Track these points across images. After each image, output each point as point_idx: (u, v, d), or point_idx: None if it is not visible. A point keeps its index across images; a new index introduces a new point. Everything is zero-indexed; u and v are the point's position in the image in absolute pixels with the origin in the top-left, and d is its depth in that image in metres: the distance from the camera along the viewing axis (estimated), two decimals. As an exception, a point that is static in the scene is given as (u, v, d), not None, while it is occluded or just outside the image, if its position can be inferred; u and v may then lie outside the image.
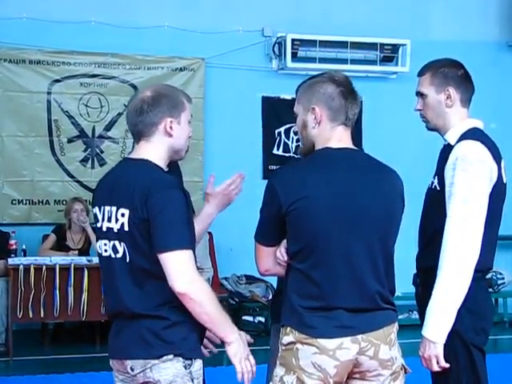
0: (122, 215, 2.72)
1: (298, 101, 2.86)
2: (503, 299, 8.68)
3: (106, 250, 2.80)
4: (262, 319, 7.91)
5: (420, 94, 3.29)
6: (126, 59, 8.32)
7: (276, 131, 8.69)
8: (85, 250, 7.78)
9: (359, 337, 2.69)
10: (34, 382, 6.26)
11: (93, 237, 7.69)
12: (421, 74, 3.30)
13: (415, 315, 8.21)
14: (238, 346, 2.74)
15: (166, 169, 2.86)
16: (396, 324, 2.84)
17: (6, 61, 8.01)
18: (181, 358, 2.72)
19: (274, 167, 8.60)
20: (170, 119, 2.83)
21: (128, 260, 2.73)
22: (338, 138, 2.78)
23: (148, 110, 2.80)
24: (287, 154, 8.73)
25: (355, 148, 2.82)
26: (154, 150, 2.83)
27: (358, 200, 2.71)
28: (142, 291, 2.72)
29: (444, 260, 3.01)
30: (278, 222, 2.76)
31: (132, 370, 2.75)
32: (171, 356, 2.71)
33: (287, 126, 8.58)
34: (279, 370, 2.77)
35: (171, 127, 2.82)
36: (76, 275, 6.99)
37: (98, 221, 2.84)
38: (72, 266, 7.01)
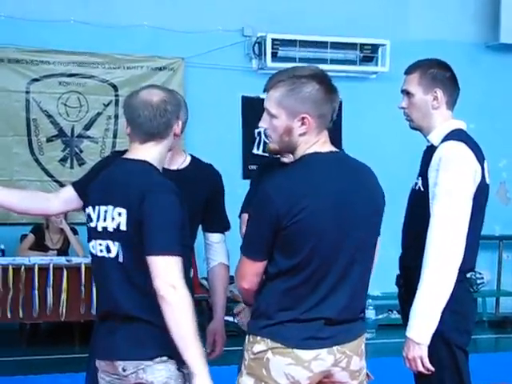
0: (119, 214, 2.70)
1: (276, 102, 2.63)
2: (482, 299, 8.76)
3: (101, 250, 2.77)
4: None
5: (406, 93, 3.27)
6: (105, 58, 8.27)
7: (256, 131, 8.67)
8: (64, 250, 7.74)
9: (335, 348, 2.64)
10: (12, 383, 6.20)
11: (71, 237, 7.66)
12: (409, 72, 3.29)
13: (395, 315, 8.40)
14: (205, 382, 2.59)
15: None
16: (365, 334, 2.80)
17: (-16, 60, 7.95)
18: (174, 360, 2.69)
19: (254, 167, 8.58)
20: (179, 120, 2.86)
21: (121, 260, 2.71)
22: (323, 140, 2.69)
23: (169, 112, 2.80)
24: (267, 154, 8.69)
25: (337, 150, 2.75)
26: (158, 152, 2.82)
27: (354, 207, 2.63)
28: (136, 293, 2.70)
29: (428, 261, 3.01)
30: (272, 234, 2.58)
31: (124, 370, 2.72)
32: (165, 358, 2.69)
33: (267, 125, 8.58)
34: (247, 380, 2.67)
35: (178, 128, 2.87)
36: (55, 275, 6.94)
37: (91, 221, 2.81)
38: (51, 266, 6.96)
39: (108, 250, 2.74)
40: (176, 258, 2.63)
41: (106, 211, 2.75)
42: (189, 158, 3.45)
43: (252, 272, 2.68)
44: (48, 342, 7.51)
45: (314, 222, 2.56)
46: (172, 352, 2.66)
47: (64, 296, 6.94)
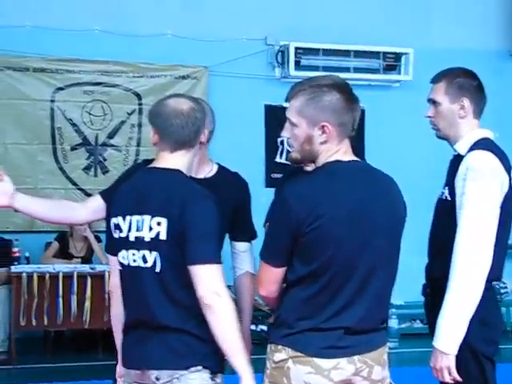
0: (158, 224, 2.69)
1: (297, 111, 2.66)
2: (506, 308, 8.69)
3: (134, 260, 2.74)
4: (265, 328, 7.90)
5: (433, 102, 3.26)
6: (129, 67, 8.32)
7: (279, 139, 8.69)
8: (87, 258, 7.77)
9: (355, 357, 2.64)
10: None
11: (95, 245, 7.70)
12: (435, 81, 3.28)
13: (417, 324, 8.34)
14: None
15: None
16: (387, 344, 2.79)
17: (10, 69, 8.01)
18: (208, 370, 2.71)
19: (277, 175, 8.60)
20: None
21: (158, 270, 2.70)
22: (344, 149, 2.69)
23: (199, 120, 2.82)
24: (290, 163, 8.72)
25: (359, 159, 2.76)
26: (187, 160, 2.83)
27: (373, 216, 2.64)
28: (171, 302, 2.70)
29: (455, 271, 3.00)
30: (291, 240, 2.59)
31: (157, 379, 2.71)
32: (200, 367, 2.70)
33: (290, 134, 8.61)
34: None
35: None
36: (79, 283, 6.99)
37: (121, 231, 2.78)
38: (75, 273, 7.01)
39: (144, 259, 2.72)
40: (218, 266, 2.67)
41: (138, 221, 2.73)
42: (216, 167, 3.45)
43: (270, 278, 2.69)
44: (72, 350, 7.56)
45: (332, 230, 2.57)
46: (206, 362, 2.69)
47: (88, 303, 6.98)
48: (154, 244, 2.70)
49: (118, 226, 2.80)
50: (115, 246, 2.84)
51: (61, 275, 6.96)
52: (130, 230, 2.76)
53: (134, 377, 2.80)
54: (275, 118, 8.62)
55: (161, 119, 2.80)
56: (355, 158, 2.73)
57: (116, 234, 2.81)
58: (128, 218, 2.76)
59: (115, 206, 2.85)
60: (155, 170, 2.83)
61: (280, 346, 2.65)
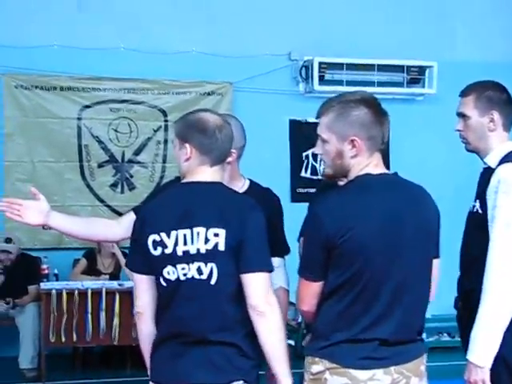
0: (216, 235, 2.71)
1: (327, 127, 2.74)
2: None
3: (185, 274, 2.73)
4: (292, 342, 7.87)
5: (462, 115, 3.28)
6: (154, 84, 8.38)
7: (304, 154, 8.72)
8: (115, 274, 7.80)
9: (392, 368, 2.66)
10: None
11: (123, 261, 7.72)
12: (464, 94, 3.30)
13: (445, 337, 8.30)
14: None
15: None
16: (425, 355, 2.82)
17: (38, 88, 8.09)
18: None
19: (302, 190, 8.62)
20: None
21: (214, 282, 2.72)
22: (375, 163, 2.75)
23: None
24: (315, 177, 8.75)
25: (389, 172, 2.80)
26: (222, 174, 2.91)
27: (404, 227, 2.67)
28: (219, 315, 2.73)
29: (488, 283, 3.01)
30: (325, 254, 2.65)
31: None
32: (241, 382, 2.74)
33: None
34: None
35: None
36: (107, 299, 7.01)
37: (165, 247, 2.76)
38: (103, 290, 7.04)
39: (199, 272, 2.73)
40: (270, 276, 2.74)
41: (186, 234, 2.74)
42: (247, 182, 3.48)
43: (309, 293, 2.73)
44: (100, 366, 7.57)
45: (362, 242, 2.61)
46: (247, 376, 2.73)
47: (116, 320, 6.99)
48: (210, 255, 2.72)
49: (160, 243, 2.78)
50: (154, 263, 2.81)
51: (89, 292, 6.98)
52: (176, 244, 2.75)
53: None
54: (300, 133, 8.67)
55: (204, 134, 2.83)
56: (386, 171, 2.78)
57: (157, 252, 2.79)
58: (174, 232, 2.76)
59: (154, 223, 2.82)
60: (197, 184, 2.85)
61: (317, 358, 2.69)
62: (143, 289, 2.90)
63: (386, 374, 2.65)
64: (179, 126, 2.93)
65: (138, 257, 2.86)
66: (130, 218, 3.20)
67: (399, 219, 2.67)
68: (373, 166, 2.74)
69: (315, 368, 2.69)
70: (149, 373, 2.94)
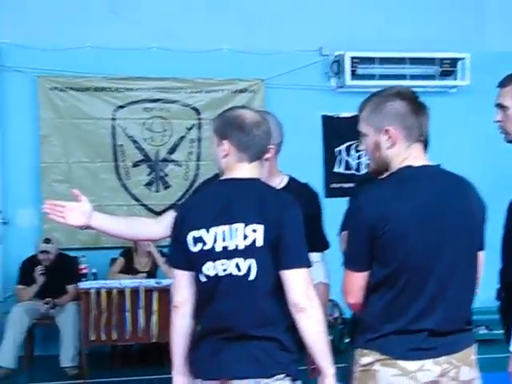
0: (254, 231, 2.74)
1: (365, 121, 2.80)
2: None
3: (224, 270, 2.76)
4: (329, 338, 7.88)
5: (501, 106, 3.26)
6: (187, 83, 8.43)
7: (336, 149, 8.73)
8: (152, 273, 7.85)
9: (441, 359, 2.67)
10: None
11: (159, 260, 7.77)
12: (502, 85, 3.28)
13: (483, 330, 8.22)
14: (333, 382, 2.77)
15: None
16: (475, 345, 2.82)
17: (72, 89, 8.17)
18: (290, 378, 2.77)
19: (336, 185, 8.62)
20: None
21: (253, 277, 2.74)
22: (415, 155, 2.75)
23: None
24: (348, 172, 8.75)
25: (433, 164, 2.81)
26: (261, 170, 2.94)
27: (447, 219, 2.67)
28: (258, 310, 2.75)
29: (531, 274, 3.00)
30: (368, 244, 2.67)
31: None
32: (282, 375, 2.75)
33: (348, 143, 8.62)
34: None
35: None
36: (145, 297, 7.07)
37: (204, 243, 2.79)
38: (141, 288, 7.10)
39: (238, 268, 2.75)
40: (309, 271, 2.75)
41: (225, 231, 2.77)
42: (286, 178, 3.49)
43: (355, 284, 2.74)
44: (138, 363, 7.61)
45: (403, 233, 2.63)
46: (288, 369, 2.74)
47: (155, 317, 7.05)
48: (249, 251, 2.74)
49: (200, 239, 2.81)
50: (193, 259, 2.84)
51: (127, 290, 7.05)
52: (215, 241, 2.78)
53: None
54: (332, 128, 8.67)
55: (242, 131, 2.85)
56: (428, 163, 2.78)
57: (196, 248, 2.82)
58: (213, 229, 2.79)
59: (193, 220, 2.85)
60: (236, 180, 2.87)
61: (366, 350, 2.71)
62: (183, 285, 2.91)
63: (435, 365, 2.67)
64: (217, 123, 2.95)
65: (179, 253, 2.89)
66: (170, 216, 3.21)
67: (442, 211, 2.67)
68: (413, 157, 2.75)
69: (365, 360, 2.71)
70: (175, 367, 2.94)
